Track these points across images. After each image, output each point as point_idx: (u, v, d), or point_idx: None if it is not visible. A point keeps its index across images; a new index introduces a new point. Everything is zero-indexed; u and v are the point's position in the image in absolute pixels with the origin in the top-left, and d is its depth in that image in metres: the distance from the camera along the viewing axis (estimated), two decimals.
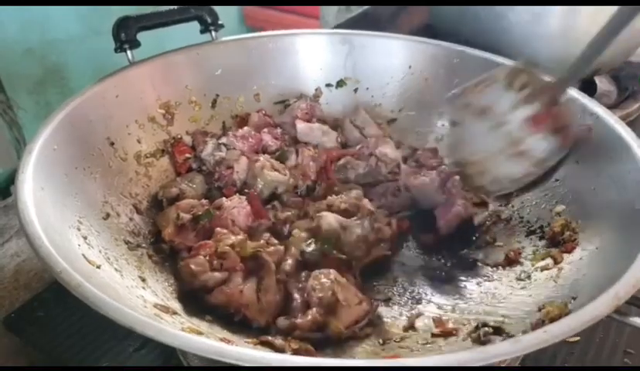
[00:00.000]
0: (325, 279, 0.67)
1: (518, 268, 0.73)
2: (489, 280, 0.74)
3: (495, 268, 0.75)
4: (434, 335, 0.66)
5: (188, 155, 0.88)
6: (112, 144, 0.79)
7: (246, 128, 0.90)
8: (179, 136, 0.88)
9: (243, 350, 0.43)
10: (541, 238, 0.76)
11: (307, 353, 0.60)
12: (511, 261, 0.75)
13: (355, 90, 0.99)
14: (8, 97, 1.31)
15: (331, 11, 1.64)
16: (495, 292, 0.71)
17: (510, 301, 0.68)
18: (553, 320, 0.57)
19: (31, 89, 1.34)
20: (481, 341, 0.63)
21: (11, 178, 0.60)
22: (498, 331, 0.63)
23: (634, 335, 0.72)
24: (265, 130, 0.92)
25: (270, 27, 1.01)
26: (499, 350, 0.44)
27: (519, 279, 0.72)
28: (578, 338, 0.71)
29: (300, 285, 0.68)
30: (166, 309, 0.60)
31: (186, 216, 0.75)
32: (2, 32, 1.27)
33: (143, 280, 0.66)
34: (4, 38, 1.27)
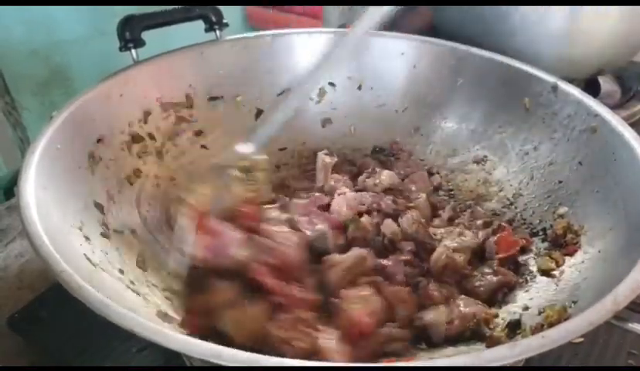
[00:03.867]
0: None
1: (520, 270, 0.73)
2: None
3: None
4: None
5: None
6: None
7: None
8: None
9: (239, 352, 0.43)
10: (543, 240, 0.76)
11: None
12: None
13: (359, 87, 0.99)
14: (12, 98, 1.31)
15: (334, 12, 1.64)
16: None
17: (512, 304, 0.68)
18: (552, 324, 0.57)
19: (35, 90, 1.33)
20: None
21: (15, 179, 0.60)
22: None
23: (639, 337, 0.71)
24: None
25: (272, 27, 1.01)
26: (495, 355, 0.44)
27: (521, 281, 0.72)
28: (582, 339, 0.71)
29: None
30: (164, 315, 0.60)
31: None
32: (7, 33, 1.27)
33: (145, 277, 0.67)
34: (9, 39, 1.27)
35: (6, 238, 0.85)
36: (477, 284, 0.71)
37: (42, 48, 1.33)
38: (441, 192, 0.91)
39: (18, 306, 0.76)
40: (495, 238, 0.76)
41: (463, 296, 0.69)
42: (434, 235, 0.77)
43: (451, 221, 0.82)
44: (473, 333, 0.66)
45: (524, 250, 0.75)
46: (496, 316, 0.67)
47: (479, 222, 0.80)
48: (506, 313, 0.67)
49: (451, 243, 0.74)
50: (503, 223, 0.79)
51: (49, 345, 0.71)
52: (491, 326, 0.66)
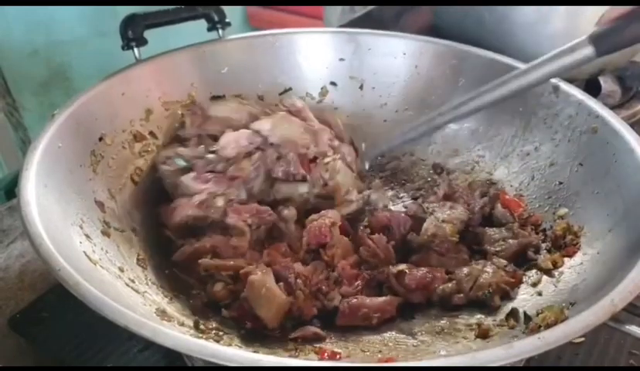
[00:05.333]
0: None
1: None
2: None
3: None
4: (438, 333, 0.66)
5: None
6: None
7: None
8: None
9: (238, 352, 0.43)
10: (544, 241, 0.75)
11: None
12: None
13: (361, 87, 0.99)
14: (14, 99, 1.31)
15: (334, 12, 1.64)
16: None
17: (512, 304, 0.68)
18: (549, 326, 0.57)
19: (35, 90, 1.34)
20: None
21: (16, 180, 0.59)
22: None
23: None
24: None
25: (274, 28, 1.01)
26: (491, 356, 0.44)
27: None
28: (583, 339, 0.71)
29: None
30: (162, 313, 0.60)
31: None
32: (8, 34, 1.27)
33: (145, 275, 0.67)
34: (10, 40, 1.28)
35: (7, 238, 0.85)
36: (498, 248, 0.74)
37: (42, 48, 1.33)
38: None
39: (20, 306, 0.76)
40: (499, 204, 0.80)
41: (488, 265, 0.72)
42: (427, 208, 0.80)
43: (446, 198, 0.84)
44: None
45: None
46: (521, 281, 0.70)
47: (477, 193, 0.82)
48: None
49: (441, 215, 0.77)
50: (497, 191, 0.82)
51: (50, 345, 0.71)
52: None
